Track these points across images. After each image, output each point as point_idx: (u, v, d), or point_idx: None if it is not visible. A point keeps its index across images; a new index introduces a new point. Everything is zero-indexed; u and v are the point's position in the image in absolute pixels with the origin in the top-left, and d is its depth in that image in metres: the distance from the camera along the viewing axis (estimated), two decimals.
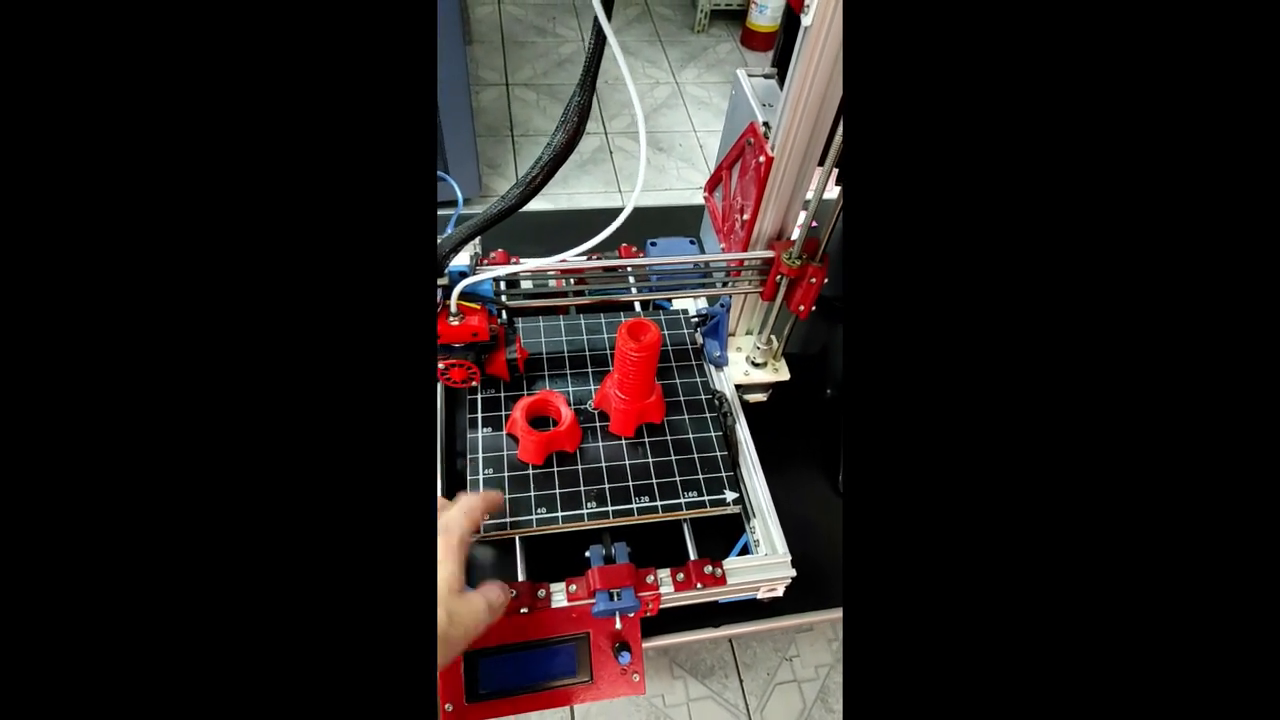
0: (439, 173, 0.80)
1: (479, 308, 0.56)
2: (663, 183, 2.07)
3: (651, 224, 0.86)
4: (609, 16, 0.43)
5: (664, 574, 0.56)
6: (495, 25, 2.46)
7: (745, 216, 0.62)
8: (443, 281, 0.54)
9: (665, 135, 2.19)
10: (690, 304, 0.76)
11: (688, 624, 0.60)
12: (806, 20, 0.48)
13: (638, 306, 0.75)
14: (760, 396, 0.74)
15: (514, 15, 2.51)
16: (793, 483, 0.70)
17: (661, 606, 0.57)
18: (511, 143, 2.08)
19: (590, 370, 0.65)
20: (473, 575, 0.60)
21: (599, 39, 0.44)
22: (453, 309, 0.55)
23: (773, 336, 0.70)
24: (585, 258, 0.62)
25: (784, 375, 0.71)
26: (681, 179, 2.05)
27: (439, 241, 0.53)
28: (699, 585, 0.56)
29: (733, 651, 1.27)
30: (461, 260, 0.56)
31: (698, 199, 0.85)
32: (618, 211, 0.50)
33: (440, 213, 0.88)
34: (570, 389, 0.63)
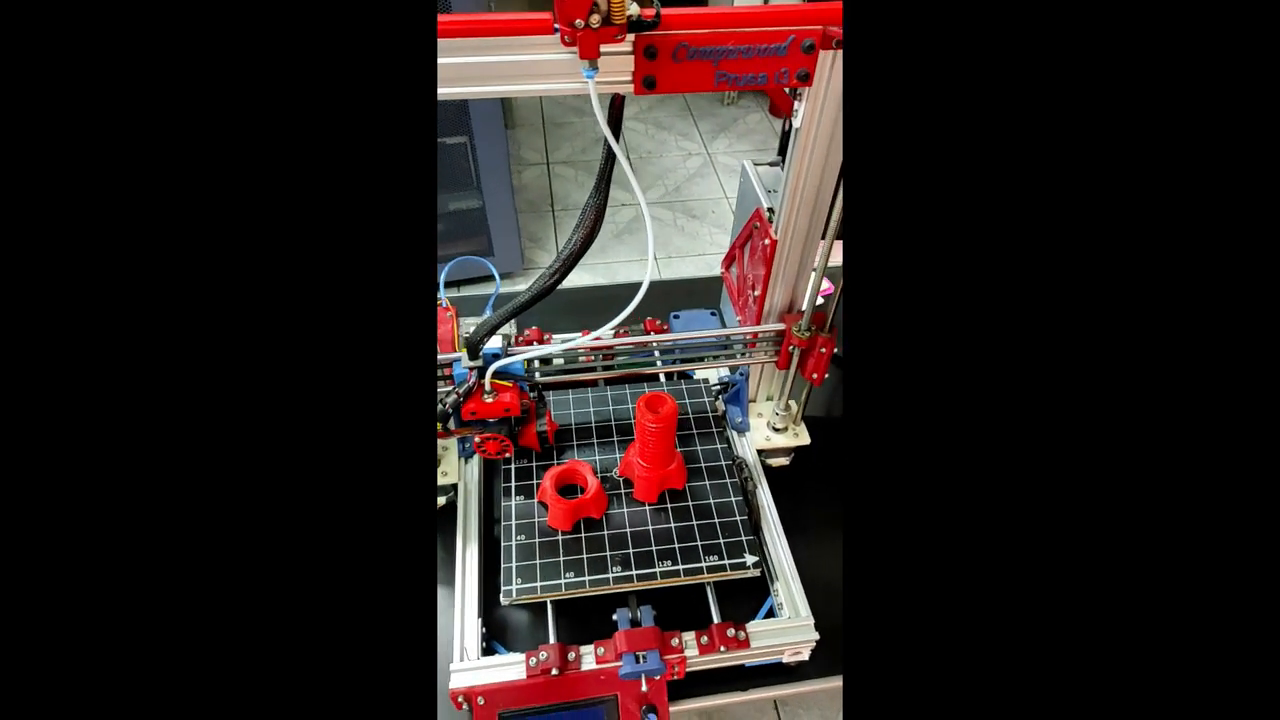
0: (480, 257, 0.87)
1: (511, 385, 0.62)
2: (697, 249, 2.14)
3: (676, 296, 0.91)
4: (617, 137, 0.49)
5: (689, 637, 0.59)
6: (536, 110, 2.63)
7: (756, 292, 0.66)
8: (477, 363, 0.60)
9: (699, 203, 2.28)
10: (712, 373, 0.80)
11: (714, 687, 0.62)
12: (796, 122, 0.53)
13: (662, 377, 0.79)
14: (783, 460, 0.76)
15: (554, 99, 2.69)
16: (817, 545, 0.71)
17: (688, 669, 0.59)
18: (552, 217, 2.19)
19: (616, 439, 0.69)
20: (506, 638, 0.63)
21: (609, 155, 0.50)
22: (486, 388, 0.60)
23: (791, 402, 0.73)
24: (613, 334, 0.67)
25: (804, 440, 0.74)
26: (715, 244, 2.12)
27: (475, 326, 0.59)
28: (722, 648, 0.58)
29: (777, 713, 1.24)
30: (495, 343, 0.61)
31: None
32: (649, 285, 0.54)
33: (479, 292, 0.95)
34: (597, 458, 0.67)
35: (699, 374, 0.80)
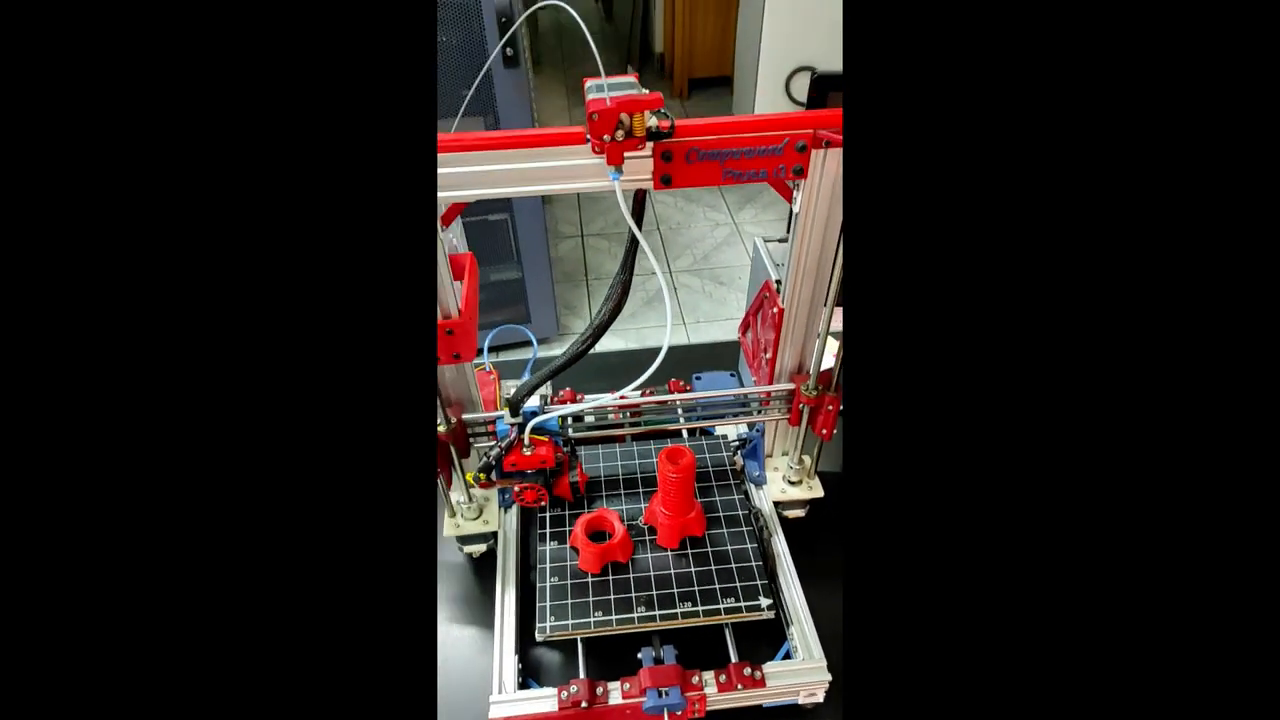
0: (519, 325, 0.96)
1: (547, 440, 0.69)
2: (724, 313, 2.23)
3: (698, 359, 0.98)
4: (640, 226, 0.58)
5: (708, 676, 0.63)
6: None
7: (768, 355, 0.73)
8: (517, 420, 0.67)
9: (726, 270, 2.38)
10: (731, 430, 0.86)
11: None
12: (795, 208, 0.61)
13: (685, 434, 0.85)
14: (799, 512, 0.81)
15: None
16: (832, 592, 0.75)
17: (709, 709, 0.63)
18: (586, 286, 2.31)
19: (641, 490, 0.75)
20: (540, 676, 0.68)
21: (633, 240, 0.59)
22: (525, 442, 0.68)
23: (805, 457, 0.79)
24: (639, 393, 0.74)
25: (818, 492, 0.79)
26: (741, 309, 2.20)
27: (515, 388, 0.67)
28: (739, 686, 0.62)
29: None
30: (533, 402, 0.69)
31: None
32: (674, 349, 0.61)
33: (518, 357, 1.04)
34: (624, 507, 0.73)
35: (719, 430, 0.86)
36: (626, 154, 0.53)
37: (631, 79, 0.52)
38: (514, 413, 0.67)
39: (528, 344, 0.97)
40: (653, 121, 0.53)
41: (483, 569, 0.78)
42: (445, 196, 0.57)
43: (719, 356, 0.99)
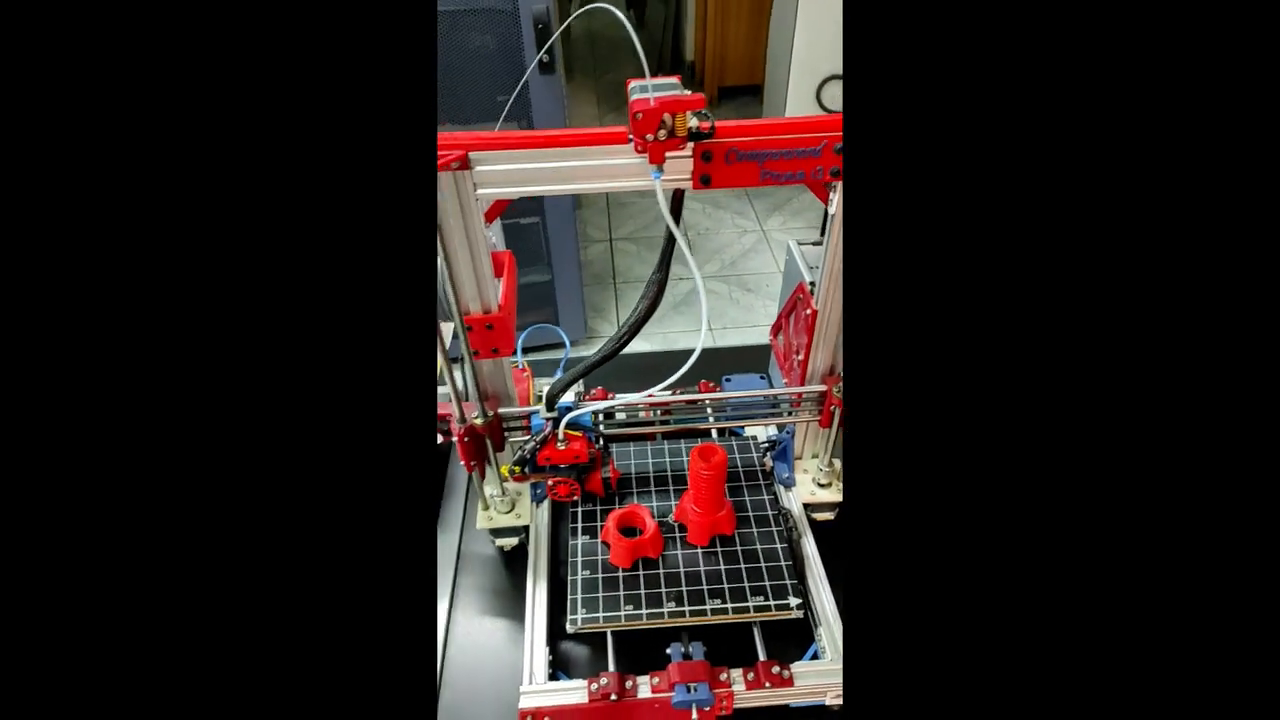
0: (551, 326, 0.97)
1: (580, 435, 0.70)
2: (751, 320, 2.23)
3: (728, 362, 0.99)
4: (678, 223, 0.59)
5: (736, 673, 0.63)
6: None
7: (800, 357, 0.73)
8: (552, 414, 0.69)
9: (753, 277, 2.38)
10: (760, 431, 0.86)
11: None
12: (832, 209, 0.62)
13: (715, 434, 0.86)
14: (828, 515, 0.81)
15: None
16: None
17: (736, 707, 0.63)
18: (614, 290, 2.33)
19: (672, 488, 0.76)
20: (569, 667, 0.69)
21: (670, 239, 0.60)
22: (560, 436, 0.69)
23: (834, 460, 0.79)
24: (670, 392, 0.75)
25: None
26: (767, 315, 2.20)
27: (551, 383, 0.69)
28: (767, 684, 0.62)
29: None
30: (567, 397, 0.70)
31: None
32: (703, 351, 0.62)
33: (551, 356, 1.06)
34: (655, 504, 0.74)
35: (748, 432, 0.86)
36: (668, 154, 0.54)
37: (674, 80, 0.54)
38: (549, 407, 0.69)
39: (557, 345, 0.98)
40: (694, 122, 0.54)
41: (513, 562, 0.80)
42: (489, 194, 0.58)
43: (747, 359, 1.00)
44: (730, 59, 3.16)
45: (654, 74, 0.52)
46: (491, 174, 0.57)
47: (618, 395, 0.86)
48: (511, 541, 0.79)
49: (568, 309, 1.99)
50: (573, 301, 1.99)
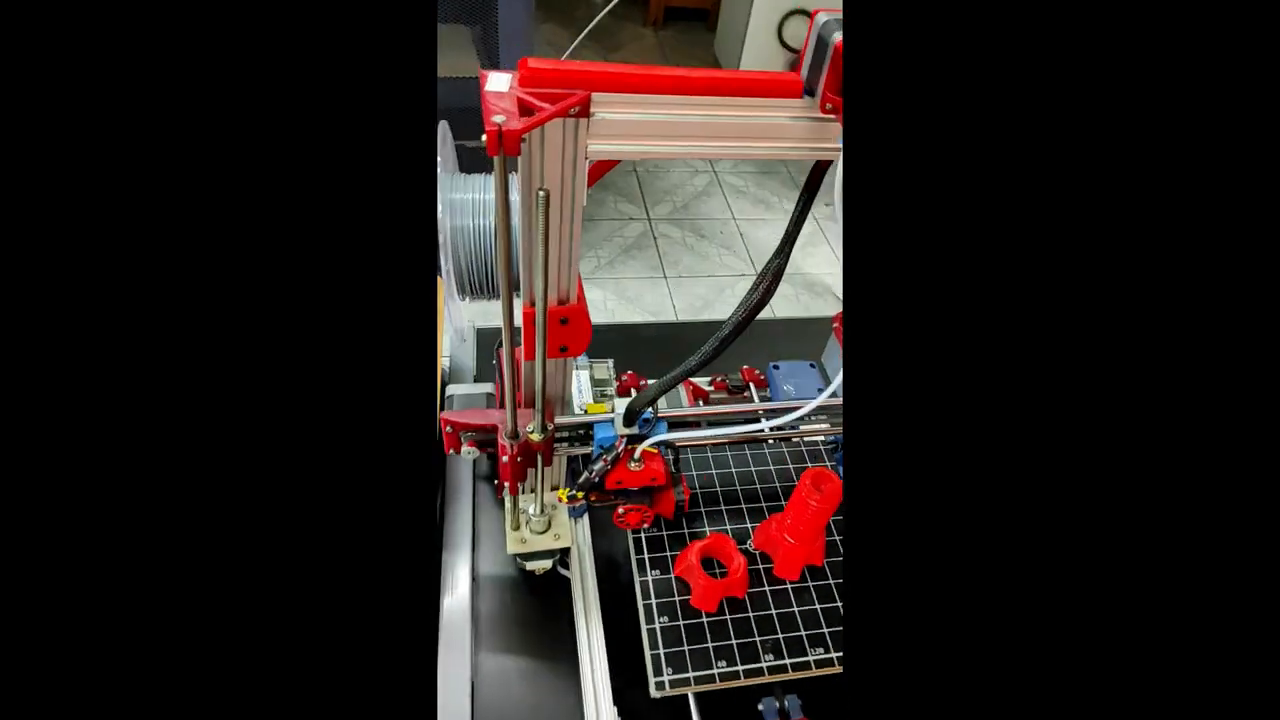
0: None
1: (655, 452, 0.57)
2: (705, 269, 2.12)
3: (772, 337, 0.88)
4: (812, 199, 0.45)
5: None
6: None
7: None
8: (631, 430, 0.55)
9: (706, 223, 2.26)
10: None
11: None
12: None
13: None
14: None
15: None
16: None
17: None
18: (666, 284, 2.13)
19: (744, 506, 0.65)
20: None
21: (798, 220, 0.46)
22: (635, 455, 0.55)
23: None
24: (710, 382, 0.63)
25: None
26: (724, 265, 2.10)
27: (632, 398, 0.55)
28: None
29: None
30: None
31: (740, 284, 0.87)
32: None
33: None
34: (728, 526, 0.63)
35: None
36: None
37: None
38: (629, 422, 0.55)
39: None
40: None
41: (535, 584, 0.66)
42: (602, 149, 0.42)
43: (794, 334, 0.89)
44: None
45: None
46: (613, 124, 0.41)
47: (648, 381, 0.74)
48: (544, 564, 0.66)
49: None
50: None
